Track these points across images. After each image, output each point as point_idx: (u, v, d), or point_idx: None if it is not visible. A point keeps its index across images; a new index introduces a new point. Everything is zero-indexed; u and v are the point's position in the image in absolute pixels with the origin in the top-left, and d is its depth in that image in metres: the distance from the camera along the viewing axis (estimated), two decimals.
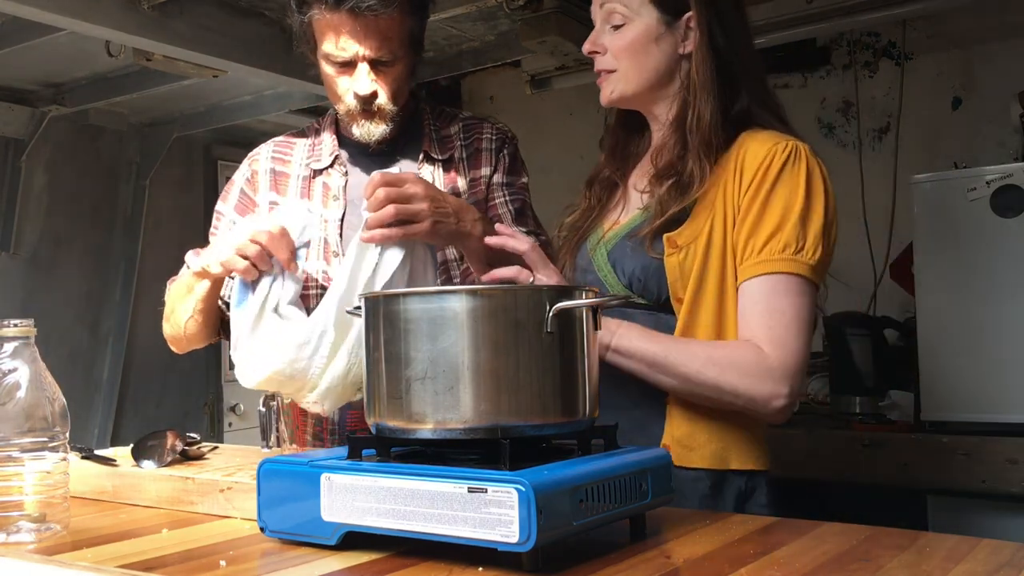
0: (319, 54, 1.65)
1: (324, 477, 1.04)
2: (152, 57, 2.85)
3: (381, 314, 1.08)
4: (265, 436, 1.50)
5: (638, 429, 1.37)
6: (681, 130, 1.44)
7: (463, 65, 3.27)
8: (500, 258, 1.44)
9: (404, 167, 1.74)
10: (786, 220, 1.34)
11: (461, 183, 1.74)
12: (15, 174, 3.72)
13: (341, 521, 1.02)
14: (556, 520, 0.93)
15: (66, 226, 3.92)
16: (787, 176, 1.36)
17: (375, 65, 1.62)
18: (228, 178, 1.90)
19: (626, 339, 1.35)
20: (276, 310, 1.43)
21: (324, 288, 1.62)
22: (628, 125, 1.60)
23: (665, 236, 1.39)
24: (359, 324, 1.36)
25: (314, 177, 1.76)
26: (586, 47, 1.51)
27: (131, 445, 1.47)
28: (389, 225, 1.40)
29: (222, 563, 1.01)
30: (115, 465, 1.42)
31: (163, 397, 4.20)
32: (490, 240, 1.42)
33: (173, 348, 1.77)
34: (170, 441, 1.44)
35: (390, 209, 1.39)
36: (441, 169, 1.75)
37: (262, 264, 1.43)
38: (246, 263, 1.43)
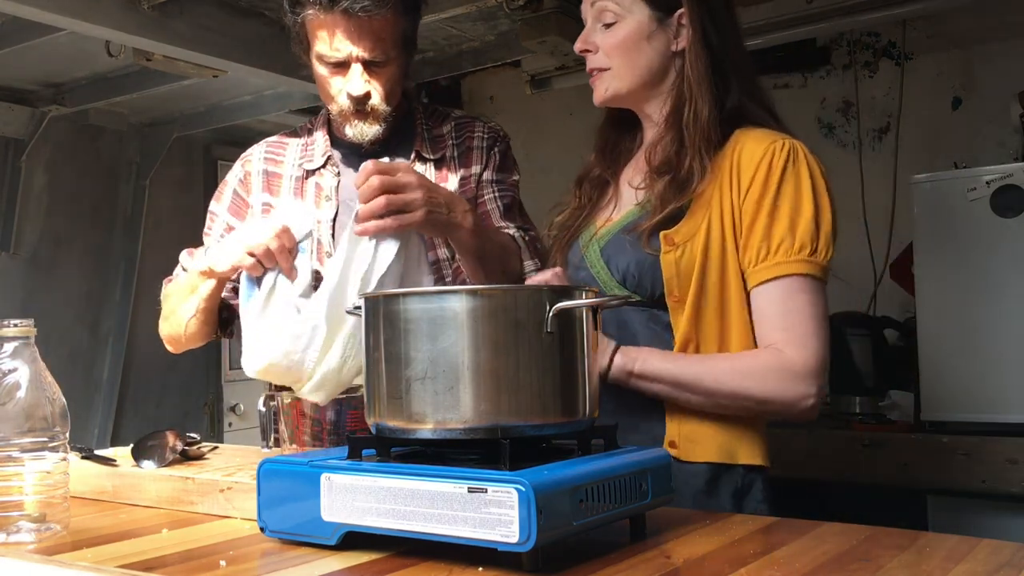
0: (312, 55, 1.65)
1: (324, 477, 1.04)
2: (152, 57, 2.85)
3: (381, 314, 1.08)
4: (265, 436, 1.50)
5: (638, 427, 1.38)
6: (677, 126, 1.44)
7: (463, 65, 3.27)
8: (490, 253, 1.44)
9: None
10: (798, 222, 1.35)
11: (452, 181, 1.75)
12: (15, 174, 3.72)
13: (341, 521, 1.02)
14: (556, 520, 0.93)
15: (66, 226, 3.91)
16: (790, 177, 1.36)
17: (368, 66, 1.62)
18: None
19: (648, 363, 1.35)
20: (283, 301, 1.45)
21: (317, 287, 1.63)
22: (618, 124, 1.59)
23: (662, 233, 1.39)
24: (353, 318, 1.37)
25: (307, 177, 1.76)
26: (577, 46, 1.51)
27: (131, 445, 1.48)
28: (383, 216, 1.40)
29: (222, 563, 1.01)
30: (115, 465, 1.42)
31: (163, 397, 4.20)
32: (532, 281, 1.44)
33: (170, 348, 1.77)
34: (170, 441, 1.44)
35: (381, 200, 1.39)
36: (433, 168, 1.75)
37: (268, 261, 1.46)
38: (253, 260, 1.45)
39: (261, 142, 1.85)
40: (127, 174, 4.12)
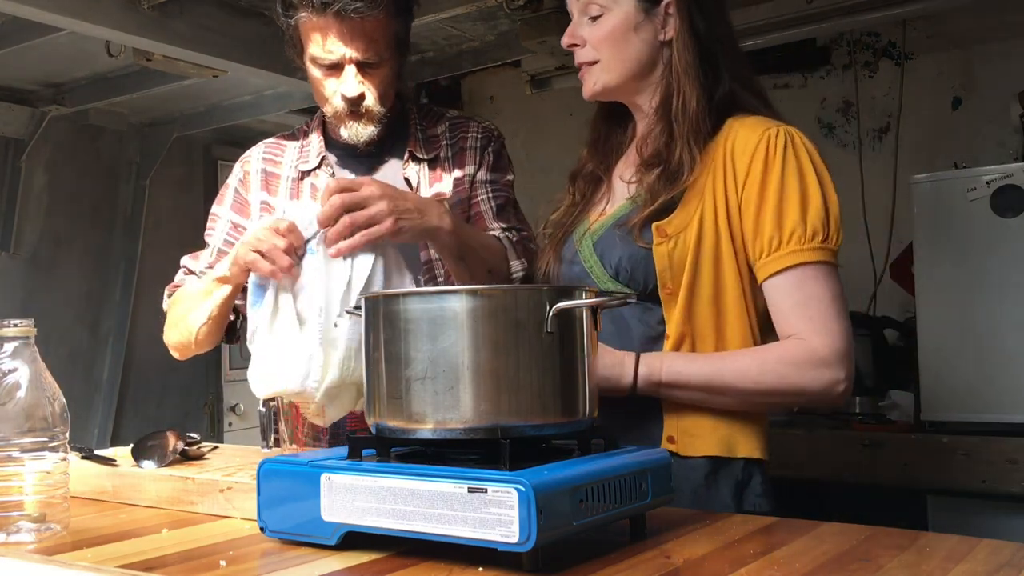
0: (306, 57, 1.66)
1: (324, 477, 1.04)
2: (152, 57, 2.85)
3: (381, 314, 1.08)
4: (265, 436, 1.50)
5: (636, 425, 1.37)
6: (667, 118, 1.43)
7: (463, 65, 3.27)
8: (472, 253, 1.43)
9: (390, 167, 1.76)
10: (807, 209, 1.34)
11: (446, 181, 1.75)
12: (15, 174, 3.72)
13: (341, 521, 1.02)
14: (556, 520, 0.93)
15: (66, 226, 3.91)
16: (791, 164, 1.35)
17: (362, 67, 1.63)
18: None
19: (674, 370, 1.35)
20: (292, 308, 1.45)
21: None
22: (609, 118, 1.59)
23: (654, 225, 1.38)
24: (346, 336, 1.39)
25: (302, 179, 1.77)
26: (565, 40, 1.50)
27: (131, 445, 1.47)
28: (352, 234, 1.42)
29: (222, 563, 1.01)
30: (115, 465, 1.42)
31: (163, 397, 4.20)
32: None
33: (176, 355, 1.76)
34: (170, 441, 1.44)
35: (346, 219, 1.42)
36: (427, 168, 1.76)
37: (274, 259, 1.45)
38: (257, 256, 1.45)
39: (259, 143, 1.86)
40: (127, 174, 4.11)
